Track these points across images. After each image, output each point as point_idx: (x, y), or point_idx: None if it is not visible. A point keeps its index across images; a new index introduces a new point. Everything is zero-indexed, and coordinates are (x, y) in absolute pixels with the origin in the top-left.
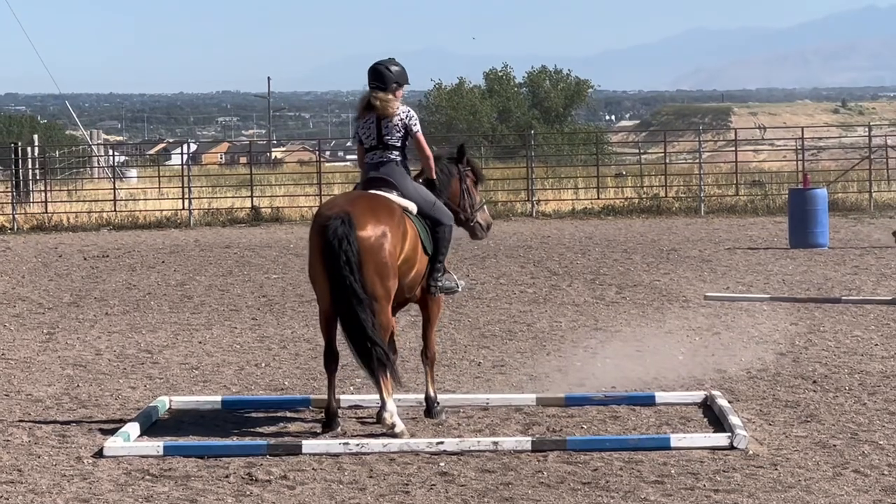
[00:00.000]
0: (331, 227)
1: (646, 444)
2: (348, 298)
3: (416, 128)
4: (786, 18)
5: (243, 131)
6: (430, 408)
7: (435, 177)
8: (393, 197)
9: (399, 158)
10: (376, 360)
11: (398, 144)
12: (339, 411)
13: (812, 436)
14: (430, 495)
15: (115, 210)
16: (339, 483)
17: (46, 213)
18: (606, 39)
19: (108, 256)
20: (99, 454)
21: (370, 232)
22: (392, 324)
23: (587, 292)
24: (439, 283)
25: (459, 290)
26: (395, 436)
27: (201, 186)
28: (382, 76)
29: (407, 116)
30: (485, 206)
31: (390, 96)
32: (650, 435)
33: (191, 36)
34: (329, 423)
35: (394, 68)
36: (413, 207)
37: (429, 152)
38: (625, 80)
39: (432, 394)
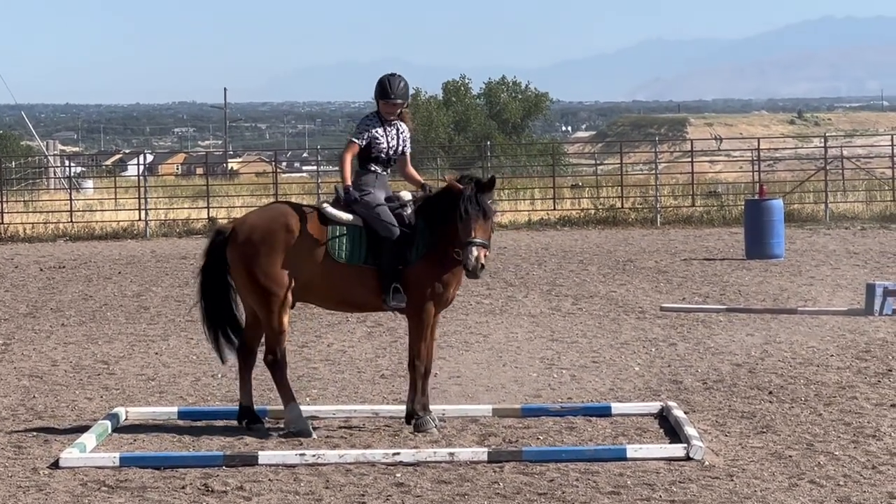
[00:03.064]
0: (213, 240)
1: (602, 455)
2: (219, 306)
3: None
4: (743, 29)
5: (200, 142)
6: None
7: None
8: (314, 208)
9: (360, 168)
10: (273, 365)
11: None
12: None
13: (768, 446)
14: None
15: (71, 221)
16: (296, 494)
17: (2, 223)
18: (563, 50)
19: (64, 267)
20: (55, 465)
21: (236, 247)
22: (285, 328)
23: (543, 303)
24: (384, 297)
25: (388, 306)
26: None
27: (158, 197)
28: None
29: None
30: (472, 247)
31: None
32: (606, 446)
33: (147, 47)
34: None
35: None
36: (348, 219)
37: (343, 159)
38: (581, 91)
39: (410, 407)
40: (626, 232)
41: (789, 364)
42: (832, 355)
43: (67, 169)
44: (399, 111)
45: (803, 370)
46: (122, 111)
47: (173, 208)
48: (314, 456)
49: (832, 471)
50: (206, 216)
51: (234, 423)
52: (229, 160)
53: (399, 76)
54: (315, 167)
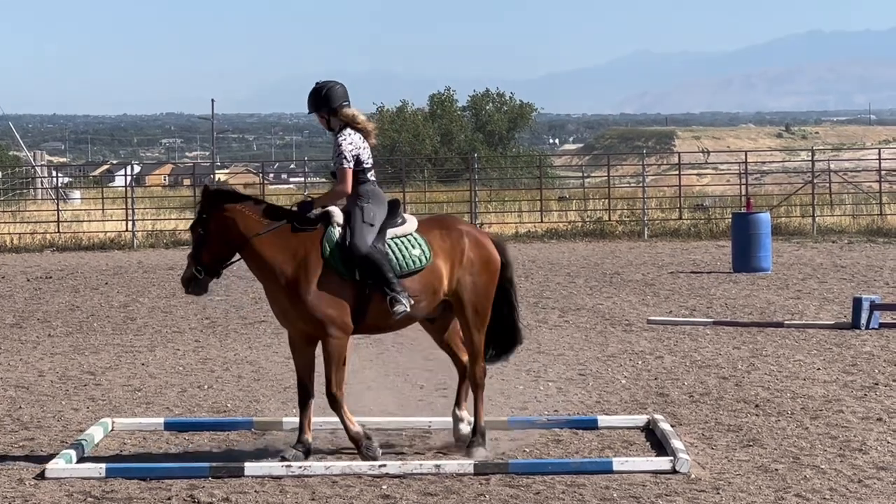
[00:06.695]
0: None
1: (588, 468)
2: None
3: None
4: (731, 43)
5: (187, 153)
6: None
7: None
8: None
9: None
10: None
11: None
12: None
13: (754, 460)
14: None
15: (58, 231)
16: None
17: None
18: (551, 62)
19: (51, 278)
20: (41, 476)
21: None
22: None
23: (530, 315)
24: None
25: None
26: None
27: (145, 208)
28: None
29: None
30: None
31: None
32: (592, 458)
33: (135, 57)
34: None
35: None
36: None
37: None
38: (569, 104)
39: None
40: (613, 244)
41: (776, 377)
42: (819, 369)
43: (55, 179)
44: (324, 122)
45: (790, 383)
46: (110, 122)
47: (160, 219)
48: (300, 468)
49: (818, 484)
50: None
51: (221, 434)
52: (217, 171)
53: (316, 85)
54: (302, 178)
